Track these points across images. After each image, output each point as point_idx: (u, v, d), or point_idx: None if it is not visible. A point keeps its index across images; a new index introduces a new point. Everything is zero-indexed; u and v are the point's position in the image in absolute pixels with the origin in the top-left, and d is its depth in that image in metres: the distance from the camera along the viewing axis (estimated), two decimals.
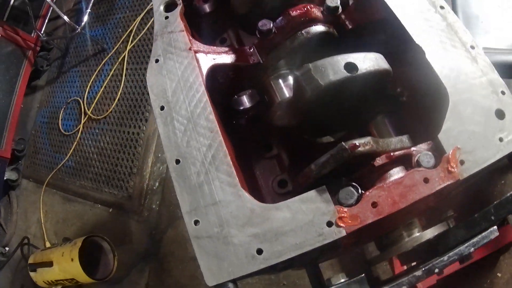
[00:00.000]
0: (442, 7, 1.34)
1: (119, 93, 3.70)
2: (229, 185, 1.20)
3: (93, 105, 3.88)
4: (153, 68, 1.41)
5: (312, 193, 1.13)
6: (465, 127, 1.15)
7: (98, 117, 3.82)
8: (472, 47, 1.27)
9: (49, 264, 3.00)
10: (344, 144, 1.13)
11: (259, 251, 1.12)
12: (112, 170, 3.57)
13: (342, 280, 1.17)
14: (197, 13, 1.86)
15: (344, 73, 1.18)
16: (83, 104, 3.93)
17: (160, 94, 1.37)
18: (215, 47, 1.49)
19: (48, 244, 3.52)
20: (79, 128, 3.86)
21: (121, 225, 3.34)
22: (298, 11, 1.40)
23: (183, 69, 1.38)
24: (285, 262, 1.12)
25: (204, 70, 1.39)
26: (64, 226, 3.61)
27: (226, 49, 1.50)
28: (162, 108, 1.34)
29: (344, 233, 1.07)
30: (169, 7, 1.54)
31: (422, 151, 1.17)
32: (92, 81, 3.99)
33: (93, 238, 3.08)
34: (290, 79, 1.47)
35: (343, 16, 1.49)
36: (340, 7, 1.43)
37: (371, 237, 1.37)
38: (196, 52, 1.41)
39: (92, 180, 3.64)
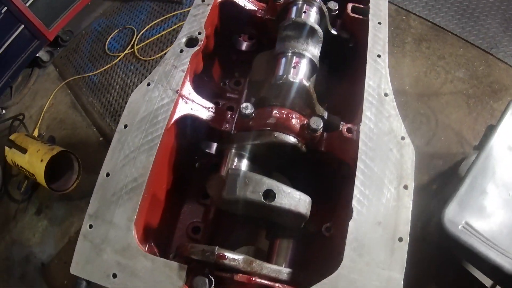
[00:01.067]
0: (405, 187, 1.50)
1: (166, 50, 3.99)
2: (127, 218, 1.46)
3: (142, 44, 4.19)
4: (141, 89, 1.66)
5: (175, 264, 1.38)
6: None
7: (140, 57, 4.13)
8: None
9: (24, 151, 3.37)
10: (216, 250, 1.34)
11: (114, 276, 1.40)
12: (121, 108, 3.90)
13: None
14: (231, 46, 2.07)
15: (259, 197, 1.39)
16: (135, 38, 4.25)
17: (132, 113, 1.62)
18: (203, 100, 1.70)
19: (36, 132, 3.90)
20: (120, 56, 4.20)
21: (100, 157, 3.67)
22: (279, 117, 1.59)
23: (160, 105, 1.62)
24: None
25: (177, 115, 1.63)
26: (58, 126, 3.98)
27: (210, 105, 1.72)
28: (125, 126, 1.59)
29: None
30: (190, 43, 1.75)
31: None
32: (155, 23, 4.29)
33: (69, 154, 3.44)
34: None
35: (325, 136, 1.66)
36: (320, 130, 1.60)
37: None
38: (181, 96, 1.64)
39: (102, 105, 3.98)
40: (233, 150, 1.64)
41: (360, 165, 1.48)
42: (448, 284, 2.62)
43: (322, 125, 1.57)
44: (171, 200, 1.76)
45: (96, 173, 1.53)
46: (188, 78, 1.69)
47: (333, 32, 1.85)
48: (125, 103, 3.81)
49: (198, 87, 1.78)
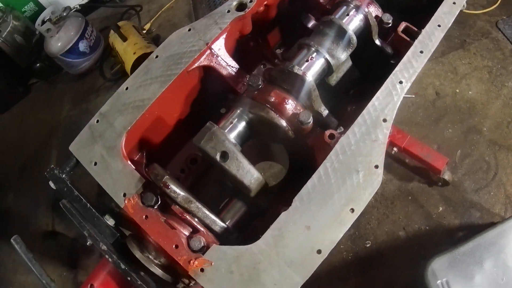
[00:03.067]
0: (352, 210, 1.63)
1: None
2: (123, 126, 1.87)
3: None
4: (181, 31, 1.99)
5: (138, 176, 1.77)
6: None
7: None
8: None
9: (124, 39, 3.95)
10: (165, 178, 1.67)
11: (95, 163, 1.85)
12: None
13: None
14: (299, 20, 2.27)
15: (214, 153, 1.68)
16: None
17: (165, 49, 1.98)
18: (230, 59, 1.98)
19: (147, 27, 4.47)
20: None
21: None
22: (276, 97, 1.80)
23: (189, 50, 1.93)
24: None
25: (198, 63, 1.93)
26: (168, 28, 4.45)
27: (235, 65, 1.98)
28: (156, 56, 1.96)
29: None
30: (239, 6, 1.99)
31: (201, 238, 1.66)
32: None
33: None
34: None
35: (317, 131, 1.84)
36: (308, 124, 1.78)
37: None
38: (209, 48, 1.93)
39: None
40: (238, 111, 1.90)
41: (320, 170, 1.66)
42: None
43: (310, 120, 1.75)
44: (182, 129, 2.12)
45: None
46: (223, 36, 1.96)
47: (377, 42, 1.94)
48: None
49: (244, 47, 2.01)
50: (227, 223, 1.81)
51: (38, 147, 4.21)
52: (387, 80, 1.77)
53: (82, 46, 4.21)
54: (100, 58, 4.36)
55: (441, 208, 2.91)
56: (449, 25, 1.90)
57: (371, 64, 2.01)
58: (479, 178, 2.95)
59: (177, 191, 1.68)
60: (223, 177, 1.80)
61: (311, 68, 1.85)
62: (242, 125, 1.87)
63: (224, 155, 1.67)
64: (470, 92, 3.22)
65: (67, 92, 4.43)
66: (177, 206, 1.70)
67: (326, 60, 1.84)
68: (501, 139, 3.02)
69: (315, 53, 1.85)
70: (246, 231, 1.92)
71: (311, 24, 2.30)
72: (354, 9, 1.93)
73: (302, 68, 1.79)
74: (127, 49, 3.89)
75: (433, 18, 1.89)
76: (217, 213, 1.87)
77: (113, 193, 1.77)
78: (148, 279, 1.77)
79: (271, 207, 1.88)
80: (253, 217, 1.92)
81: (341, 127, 1.83)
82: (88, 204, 1.84)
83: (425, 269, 2.24)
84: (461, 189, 2.93)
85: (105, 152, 1.84)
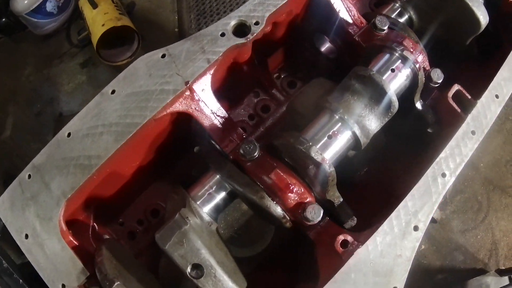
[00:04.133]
0: None
1: None
2: (62, 192, 1.22)
3: None
4: (151, 57, 1.29)
5: (80, 266, 1.17)
6: None
7: None
8: None
9: (94, 5, 3.10)
10: (116, 285, 1.06)
11: (26, 236, 1.21)
12: (213, 12, 3.43)
13: None
14: (310, 41, 1.59)
15: (185, 265, 1.08)
16: None
17: (126, 81, 1.27)
18: (216, 103, 1.29)
19: None
20: None
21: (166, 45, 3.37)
22: (277, 180, 1.17)
23: (160, 89, 1.24)
24: None
25: (172, 109, 1.25)
26: None
27: (222, 113, 1.31)
28: (112, 92, 1.27)
29: None
30: (239, 29, 1.29)
31: None
32: None
33: (133, 32, 3.13)
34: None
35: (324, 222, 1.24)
36: (316, 221, 1.16)
37: None
38: (190, 89, 1.25)
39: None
40: (217, 176, 1.27)
41: None
42: None
43: (319, 217, 1.16)
44: (143, 176, 1.46)
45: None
46: (211, 72, 1.27)
47: (418, 106, 1.33)
48: (223, 11, 3.50)
49: (235, 74, 1.38)
50: None
51: None
52: (427, 172, 1.19)
53: (49, 6, 3.32)
54: (68, 20, 3.47)
55: (423, 247, 2.44)
56: (508, 97, 1.31)
57: (401, 131, 1.39)
58: (468, 218, 2.48)
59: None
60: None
61: (332, 148, 1.20)
62: (221, 197, 1.25)
63: (197, 268, 1.06)
64: None
65: (29, 54, 3.57)
66: None
67: (354, 135, 1.21)
68: (497, 178, 2.53)
69: (339, 124, 1.21)
70: None
71: (324, 47, 1.63)
72: (399, 60, 1.27)
73: (319, 148, 1.16)
74: (96, 18, 3.06)
75: (490, 85, 1.29)
76: None
77: (49, 281, 1.17)
78: None
79: None
80: None
81: (354, 218, 1.25)
82: (21, 281, 1.31)
83: None
84: (448, 228, 2.46)
85: (39, 223, 1.20)
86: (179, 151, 1.51)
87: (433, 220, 2.39)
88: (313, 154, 1.11)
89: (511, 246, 2.44)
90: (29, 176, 1.25)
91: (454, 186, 2.49)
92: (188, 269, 1.06)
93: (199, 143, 1.51)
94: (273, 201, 1.16)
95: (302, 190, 1.17)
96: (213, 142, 1.40)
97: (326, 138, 1.19)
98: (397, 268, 1.14)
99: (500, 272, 2.29)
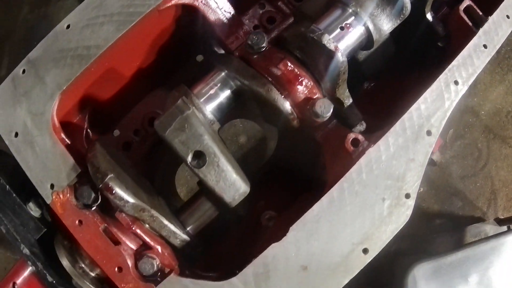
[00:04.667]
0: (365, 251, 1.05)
1: None
2: (57, 84, 1.14)
3: None
4: None
5: (71, 162, 1.08)
6: None
7: None
8: None
9: None
10: (108, 178, 0.99)
11: (16, 134, 1.12)
12: None
13: None
14: None
15: (186, 153, 0.99)
16: None
17: None
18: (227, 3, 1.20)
19: None
20: None
21: None
22: (285, 71, 1.09)
23: None
24: None
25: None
26: None
27: (229, 9, 1.20)
28: None
29: None
30: None
31: (153, 260, 1.04)
32: None
33: None
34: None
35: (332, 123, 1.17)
36: (325, 118, 1.09)
37: None
38: None
39: None
40: (222, 73, 1.17)
41: (334, 191, 1.03)
42: None
43: (329, 113, 1.08)
44: (142, 80, 1.36)
45: None
46: None
47: (429, 17, 1.23)
48: None
49: None
50: (189, 229, 1.17)
51: None
52: (439, 77, 1.10)
53: None
54: None
55: (422, 189, 2.37)
56: None
57: (411, 41, 1.30)
58: (467, 164, 2.41)
59: (125, 197, 1.00)
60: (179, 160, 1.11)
61: (344, 40, 1.11)
62: (225, 95, 1.15)
63: (199, 156, 0.98)
64: None
65: None
66: (123, 215, 1.04)
67: (367, 30, 1.11)
68: (497, 127, 2.45)
69: (353, 18, 1.11)
70: (215, 246, 1.29)
71: None
72: None
73: (332, 37, 1.06)
74: None
75: (502, 5, 1.20)
76: (178, 211, 1.22)
77: (37, 182, 1.08)
78: None
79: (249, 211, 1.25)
80: (225, 224, 1.28)
81: (363, 123, 1.17)
82: (8, 187, 1.15)
83: (406, 274, 1.78)
84: (447, 173, 2.39)
85: (30, 120, 1.11)
86: (181, 57, 1.40)
87: (433, 163, 2.31)
88: (325, 42, 1.02)
89: (510, 197, 2.39)
90: (23, 71, 1.15)
91: (454, 131, 2.44)
92: (189, 158, 0.97)
93: (202, 53, 1.42)
94: (281, 94, 1.07)
95: (312, 84, 1.08)
96: (216, 49, 1.31)
97: (338, 29, 1.10)
98: (410, 173, 1.07)
99: (499, 222, 2.24)
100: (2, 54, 3.22)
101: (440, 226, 2.33)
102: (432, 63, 1.29)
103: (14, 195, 1.15)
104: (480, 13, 1.22)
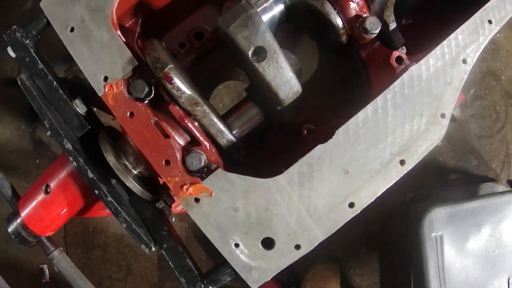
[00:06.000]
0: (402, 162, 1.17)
1: None
2: None
3: None
4: None
5: (128, 54, 1.16)
6: None
7: None
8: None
9: None
10: (168, 68, 1.08)
11: (72, 29, 1.20)
12: None
13: None
14: None
15: (248, 48, 1.08)
16: None
17: None
18: None
19: None
20: None
21: None
22: None
23: None
24: None
25: None
26: None
27: None
28: None
29: None
30: None
31: (201, 155, 1.13)
32: None
33: None
34: None
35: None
36: (373, 35, 1.20)
37: None
38: None
39: None
40: None
41: (378, 101, 1.13)
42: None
43: (377, 31, 1.17)
44: None
45: None
46: None
47: None
48: None
49: None
50: (235, 132, 1.28)
51: None
52: (475, 14, 1.20)
53: None
54: None
55: (440, 143, 2.50)
56: None
57: None
58: (485, 125, 2.54)
59: (182, 88, 1.09)
60: (237, 57, 1.21)
61: None
62: (279, 9, 1.23)
63: (260, 52, 1.07)
64: (498, 35, 2.65)
65: None
66: (177, 107, 1.13)
67: None
68: None
69: None
70: (257, 152, 1.40)
71: None
72: None
73: None
74: None
75: None
76: (224, 115, 1.32)
77: (89, 74, 1.16)
78: (120, 191, 1.26)
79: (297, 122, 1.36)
80: (268, 130, 1.39)
81: (404, 48, 1.27)
82: (55, 83, 1.24)
83: (423, 217, 1.91)
84: (465, 130, 2.52)
85: (88, 15, 1.17)
86: None
87: (453, 119, 2.44)
88: None
89: None
90: None
91: (475, 91, 2.55)
92: (250, 52, 1.07)
93: None
94: (334, 9, 1.17)
95: (363, 3, 1.18)
96: None
97: None
98: (446, 94, 1.17)
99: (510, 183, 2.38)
100: None
101: (456, 181, 2.47)
102: (469, 3, 1.38)
103: (60, 91, 1.24)
104: None
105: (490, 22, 1.23)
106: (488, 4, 1.24)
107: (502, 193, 2.00)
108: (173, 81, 1.07)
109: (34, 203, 1.40)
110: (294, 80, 1.10)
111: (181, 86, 1.08)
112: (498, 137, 2.52)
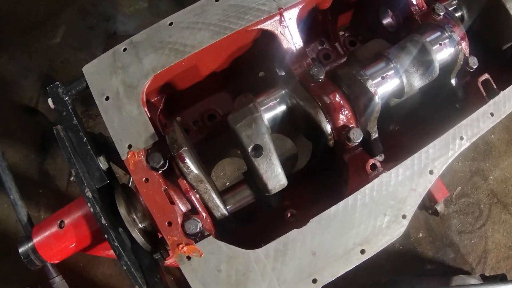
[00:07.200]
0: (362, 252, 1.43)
1: None
2: (153, 67, 1.53)
3: None
4: None
5: (152, 130, 1.47)
6: None
7: None
8: None
9: None
10: (183, 150, 1.37)
11: (107, 98, 1.52)
12: None
13: None
14: (375, 12, 1.92)
15: (248, 144, 1.39)
16: None
17: None
18: (297, 32, 1.61)
19: None
20: None
21: None
22: (333, 101, 1.49)
23: (257, 7, 1.56)
24: None
25: (262, 26, 1.56)
26: None
27: (299, 42, 1.62)
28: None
29: None
30: None
31: (198, 222, 1.41)
32: None
33: None
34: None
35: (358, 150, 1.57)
36: (355, 143, 1.49)
37: None
38: (280, 14, 1.57)
39: None
40: (282, 91, 1.58)
41: (349, 199, 1.43)
42: None
43: (359, 140, 1.48)
44: (212, 80, 1.77)
45: None
46: (299, 6, 1.59)
47: (453, 82, 1.65)
48: None
49: (311, 19, 1.69)
50: (228, 207, 1.56)
51: (47, 16, 3.72)
52: (449, 131, 1.51)
53: None
54: None
55: (421, 234, 2.76)
56: None
57: (435, 99, 1.71)
58: (467, 221, 2.80)
59: (191, 167, 1.39)
60: (239, 149, 1.50)
61: (383, 87, 1.52)
62: (281, 109, 1.56)
63: (258, 149, 1.38)
64: (492, 136, 2.98)
65: None
66: (185, 182, 1.43)
67: (401, 83, 1.52)
68: (502, 194, 2.85)
69: (392, 71, 1.53)
70: (245, 226, 1.68)
71: (386, 21, 1.95)
72: (448, 40, 1.59)
73: (374, 83, 1.47)
74: None
75: None
76: (222, 192, 1.61)
77: (117, 140, 1.47)
78: (125, 238, 1.54)
79: (281, 206, 1.64)
80: (258, 209, 1.68)
81: (383, 155, 1.57)
82: (85, 138, 1.53)
83: None
84: (447, 225, 2.78)
85: (123, 89, 1.50)
86: (247, 69, 1.82)
87: (436, 213, 2.70)
88: (368, 85, 1.43)
89: (500, 259, 2.76)
90: (125, 49, 1.54)
91: (462, 189, 2.83)
92: (250, 148, 1.38)
93: (265, 70, 1.84)
94: (326, 118, 1.48)
95: (350, 115, 1.49)
96: (277, 70, 1.72)
97: (380, 78, 1.52)
98: (410, 199, 1.45)
99: (484, 278, 2.58)
100: (60, 21, 3.64)
101: (431, 271, 2.69)
102: (447, 117, 1.69)
103: (88, 146, 1.53)
104: (495, 87, 1.63)
105: (461, 138, 1.53)
106: (463, 122, 1.54)
107: (475, 285, 2.21)
108: (185, 161, 1.37)
109: (47, 233, 1.66)
110: (282, 175, 1.40)
111: (191, 166, 1.38)
112: (478, 233, 2.76)
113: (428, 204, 2.75)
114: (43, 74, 3.47)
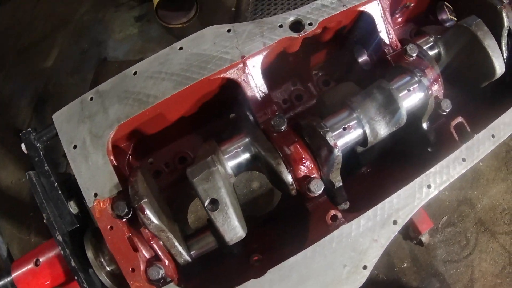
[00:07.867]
0: None
1: None
2: (117, 118, 1.57)
3: None
4: (219, 29, 1.63)
5: (116, 180, 1.51)
6: None
7: None
8: None
9: None
10: (143, 202, 1.41)
11: (75, 147, 1.56)
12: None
13: None
14: (350, 50, 1.95)
15: (205, 197, 1.42)
16: None
17: (195, 42, 1.62)
18: (261, 79, 1.64)
19: None
20: None
21: (220, 19, 3.67)
22: (294, 152, 1.51)
23: (220, 56, 1.59)
24: None
25: (225, 75, 1.60)
26: None
27: (264, 89, 1.65)
28: (180, 48, 1.61)
29: None
30: (294, 26, 1.64)
31: (160, 269, 1.46)
32: None
33: (195, 2, 3.47)
34: None
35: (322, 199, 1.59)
36: (317, 194, 1.50)
37: None
38: (243, 63, 1.60)
39: None
40: (247, 139, 1.61)
41: (308, 251, 1.45)
42: None
43: (320, 191, 1.50)
44: (181, 125, 1.82)
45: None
46: (264, 53, 1.62)
47: (424, 126, 1.66)
48: (280, 3, 3.78)
49: (280, 61, 1.72)
50: (192, 253, 1.60)
51: (43, 37, 3.84)
52: (416, 179, 1.52)
53: None
54: None
55: (405, 265, 2.77)
56: (503, 140, 1.62)
57: (406, 143, 1.72)
58: (453, 251, 2.80)
59: (152, 218, 1.43)
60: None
61: (344, 138, 1.55)
62: (245, 157, 1.59)
63: (214, 203, 1.41)
64: (480, 164, 2.97)
65: None
66: (147, 230, 1.47)
67: (364, 133, 1.55)
68: (490, 222, 2.84)
69: (355, 121, 1.55)
70: (209, 270, 1.71)
71: (362, 59, 1.97)
72: (417, 84, 1.60)
73: (334, 135, 1.50)
74: None
75: (490, 125, 1.60)
76: (187, 237, 1.65)
77: (84, 188, 1.51)
78: (95, 280, 1.59)
79: (243, 250, 1.67)
80: (220, 256, 1.71)
81: (348, 203, 1.59)
82: (56, 184, 1.59)
83: None
84: (432, 255, 2.78)
85: (89, 139, 1.55)
86: (217, 113, 1.86)
87: (420, 243, 2.71)
88: (328, 138, 1.45)
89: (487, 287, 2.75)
90: (91, 98, 1.58)
91: (448, 218, 2.83)
92: (207, 202, 1.41)
93: (235, 112, 1.87)
94: (287, 169, 1.51)
95: (312, 166, 1.52)
96: (248, 113, 1.75)
97: (341, 129, 1.54)
98: (371, 250, 1.47)
99: None
100: (53, 44, 3.75)
101: None
102: (418, 162, 1.70)
103: (59, 191, 1.59)
104: (469, 130, 1.63)
105: (429, 186, 1.54)
106: (431, 169, 1.55)
107: None
108: (145, 213, 1.41)
109: (24, 269, 1.72)
110: (239, 228, 1.43)
111: (151, 217, 1.42)
112: (464, 262, 2.76)
113: (412, 235, 2.76)
114: (37, 95, 3.56)
